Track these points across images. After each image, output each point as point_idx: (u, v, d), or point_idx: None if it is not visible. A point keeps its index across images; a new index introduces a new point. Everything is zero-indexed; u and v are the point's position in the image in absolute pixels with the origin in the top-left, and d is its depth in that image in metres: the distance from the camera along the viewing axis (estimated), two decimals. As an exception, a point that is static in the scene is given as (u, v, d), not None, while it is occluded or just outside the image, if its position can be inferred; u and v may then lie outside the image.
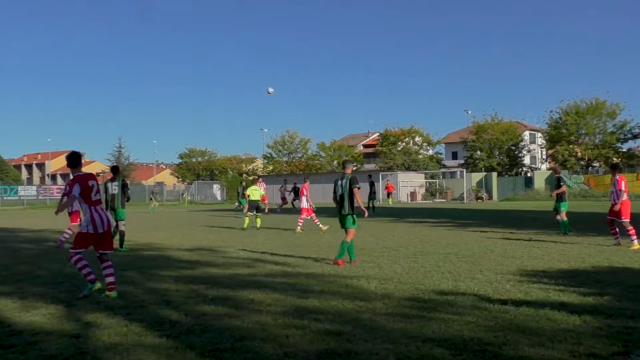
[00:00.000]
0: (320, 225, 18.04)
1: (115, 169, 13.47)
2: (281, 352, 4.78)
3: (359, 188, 10.02)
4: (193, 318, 5.98)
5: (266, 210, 29.82)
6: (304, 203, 18.43)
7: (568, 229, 14.87)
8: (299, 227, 17.87)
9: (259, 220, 19.55)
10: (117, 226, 13.01)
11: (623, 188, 11.95)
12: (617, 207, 12.02)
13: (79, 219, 13.07)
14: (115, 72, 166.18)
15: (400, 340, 5.05)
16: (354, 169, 77.72)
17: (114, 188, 13.16)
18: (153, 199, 41.51)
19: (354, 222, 10.12)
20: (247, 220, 19.52)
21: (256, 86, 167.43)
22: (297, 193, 35.17)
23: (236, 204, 35.65)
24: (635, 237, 11.83)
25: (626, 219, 12.05)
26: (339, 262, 9.79)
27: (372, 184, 30.15)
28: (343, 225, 10.18)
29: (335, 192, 10.18)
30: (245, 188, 34.02)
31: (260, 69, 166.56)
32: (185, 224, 23.21)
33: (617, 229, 12.29)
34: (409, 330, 5.40)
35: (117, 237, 12.85)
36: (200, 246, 13.54)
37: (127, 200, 13.43)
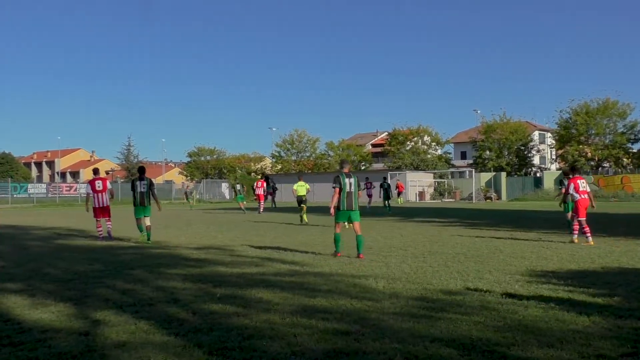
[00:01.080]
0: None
1: (141, 170, 14.77)
2: (289, 351, 4.78)
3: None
4: (201, 316, 6.00)
5: (260, 211, 29.95)
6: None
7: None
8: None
9: (305, 216, 20.45)
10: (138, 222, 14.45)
11: (570, 190, 13.24)
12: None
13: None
14: (125, 70, 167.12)
15: (408, 340, 5.04)
16: (363, 168, 77.86)
17: (143, 187, 14.43)
18: (188, 196, 42.12)
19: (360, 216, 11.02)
20: (304, 216, 20.85)
21: (265, 85, 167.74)
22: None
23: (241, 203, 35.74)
24: (575, 233, 13.23)
25: (581, 217, 13.12)
26: (361, 256, 10.59)
27: (388, 185, 30.59)
28: (350, 220, 10.86)
29: (342, 189, 10.70)
30: (242, 186, 34.62)
31: (269, 68, 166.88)
32: (193, 222, 23.27)
33: (578, 227, 13.22)
34: (417, 329, 5.39)
35: (143, 232, 14.20)
36: (209, 244, 13.56)
37: (155, 198, 14.73)
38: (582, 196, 13.12)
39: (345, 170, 10.98)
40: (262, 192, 31.20)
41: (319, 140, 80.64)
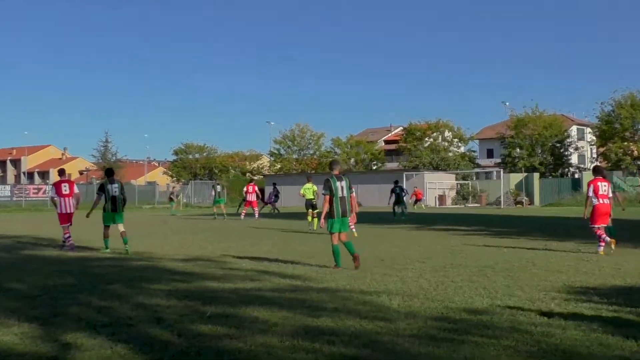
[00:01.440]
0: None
1: (110, 171, 14.93)
2: (289, 380, 4.74)
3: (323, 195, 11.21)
4: (187, 338, 5.97)
5: (256, 217, 30.17)
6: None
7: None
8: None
9: (315, 221, 20.57)
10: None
11: (590, 193, 13.42)
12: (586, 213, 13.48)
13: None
14: (102, 56, 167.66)
15: (427, 367, 4.99)
16: (374, 168, 77.88)
17: (115, 190, 14.43)
18: (174, 199, 42.23)
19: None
20: (314, 221, 20.85)
21: (262, 73, 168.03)
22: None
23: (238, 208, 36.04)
24: (602, 244, 13.05)
25: (594, 224, 13.31)
26: (356, 259, 10.94)
27: (400, 189, 30.89)
28: (342, 227, 11.08)
29: (334, 195, 10.94)
30: (223, 187, 34.86)
31: (266, 54, 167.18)
32: (180, 230, 23.29)
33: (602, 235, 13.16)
34: (437, 355, 5.35)
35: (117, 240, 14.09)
36: (197, 255, 13.56)
37: (124, 204, 14.79)
38: (602, 201, 13.29)
39: (336, 172, 11.21)
40: (255, 198, 31.33)
41: (323, 136, 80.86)
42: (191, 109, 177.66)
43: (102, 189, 14.47)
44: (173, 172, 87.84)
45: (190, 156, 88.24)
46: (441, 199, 55.75)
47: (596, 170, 14.10)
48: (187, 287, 9.06)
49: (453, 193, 58.30)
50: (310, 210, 21.88)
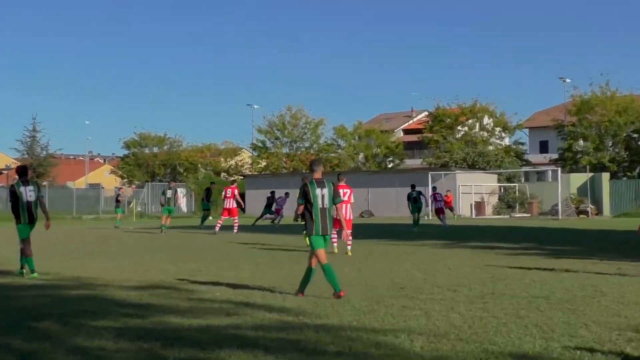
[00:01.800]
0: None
1: (23, 170, 14.93)
2: None
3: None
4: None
5: (235, 230, 30.29)
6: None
7: None
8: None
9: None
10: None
11: None
12: None
13: None
14: (33, 20, 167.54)
15: None
16: (390, 166, 77.74)
17: (30, 194, 14.37)
18: (120, 206, 42.21)
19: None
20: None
21: (241, 43, 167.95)
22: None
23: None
24: None
25: None
26: (342, 294, 11.05)
27: (419, 194, 32.55)
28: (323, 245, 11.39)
29: (313, 204, 11.26)
30: (176, 191, 34.99)
31: (249, 20, 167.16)
32: (134, 247, 23.24)
33: None
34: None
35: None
36: (156, 282, 13.53)
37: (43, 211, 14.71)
38: None
39: (317, 175, 11.49)
40: (234, 205, 31.44)
41: (323, 123, 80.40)
42: (147, 88, 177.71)
43: (13, 194, 14.37)
44: (123, 172, 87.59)
45: (147, 150, 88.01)
46: (479, 207, 55.73)
47: None
48: (141, 324, 9.04)
49: (494, 199, 58.28)
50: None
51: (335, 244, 19.43)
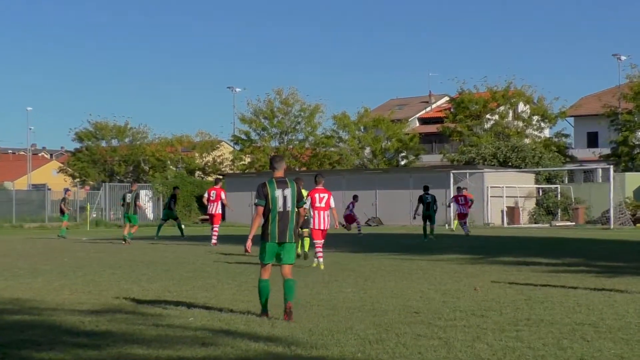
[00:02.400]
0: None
1: None
2: None
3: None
4: None
5: (213, 241, 30.38)
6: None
7: None
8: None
9: (306, 243, 21.95)
10: None
11: None
12: None
13: None
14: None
15: None
16: (403, 163, 77.59)
17: None
18: (66, 211, 42.13)
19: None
20: (305, 243, 22.02)
21: (224, 11, 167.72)
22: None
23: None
24: None
25: None
26: (288, 313, 11.52)
27: (433, 199, 33.50)
28: (280, 258, 11.93)
29: (272, 207, 11.74)
30: (138, 195, 35.03)
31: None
32: (88, 262, 23.21)
33: None
34: None
35: None
36: (115, 305, 13.54)
37: None
38: None
39: (278, 173, 12.03)
40: (220, 210, 31.48)
41: (321, 110, 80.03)
42: (104, 67, 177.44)
43: None
44: (74, 170, 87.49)
45: (104, 143, 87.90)
46: (512, 213, 55.63)
47: None
48: (98, 357, 9.06)
49: (531, 204, 58.23)
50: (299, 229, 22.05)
51: (320, 260, 20.76)
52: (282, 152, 77.56)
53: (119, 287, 16.41)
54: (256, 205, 11.81)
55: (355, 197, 40.51)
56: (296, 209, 11.99)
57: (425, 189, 33.47)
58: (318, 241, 21.01)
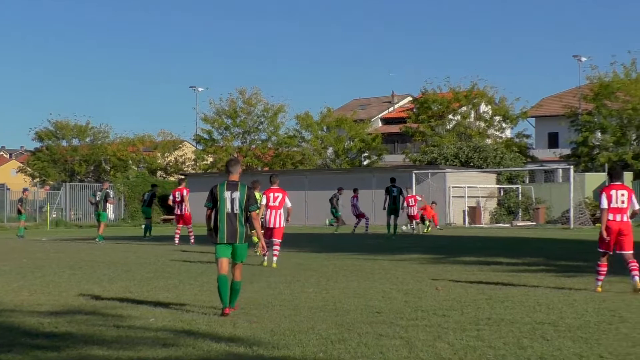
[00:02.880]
0: None
1: None
2: None
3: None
4: None
5: (191, 241, 30.83)
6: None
7: None
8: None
9: (259, 249, 21.49)
10: None
11: (602, 204, 15.30)
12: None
13: None
14: None
15: None
16: (366, 163, 77.70)
17: None
18: (23, 211, 41.83)
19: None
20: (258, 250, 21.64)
21: (186, 9, 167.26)
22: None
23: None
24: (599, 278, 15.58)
25: (600, 248, 15.83)
26: (227, 311, 12.06)
27: (399, 191, 33.77)
28: (234, 257, 12.44)
29: (219, 208, 12.38)
30: (107, 194, 35.01)
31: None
32: (47, 262, 23.07)
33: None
34: None
35: None
36: (75, 306, 13.47)
37: None
38: (612, 216, 15.29)
39: (233, 177, 12.68)
40: (188, 210, 31.48)
41: (284, 110, 79.99)
42: (64, 65, 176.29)
43: None
44: (34, 169, 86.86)
45: (65, 143, 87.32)
46: (473, 213, 55.78)
47: (612, 174, 16.14)
48: (57, 359, 9.02)
49: (492, 204, 58.46)
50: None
51: (275, 258, 21.05)
52: (245, 151, 77.51)
53: (79, 288, 16.31)
54: (205, 207, 12.53)
55: (355, 190, 40.75)
56: (249, 213, 12.53)
57: (392, 180, 33.48)
58: (276, 240, 21.22)
